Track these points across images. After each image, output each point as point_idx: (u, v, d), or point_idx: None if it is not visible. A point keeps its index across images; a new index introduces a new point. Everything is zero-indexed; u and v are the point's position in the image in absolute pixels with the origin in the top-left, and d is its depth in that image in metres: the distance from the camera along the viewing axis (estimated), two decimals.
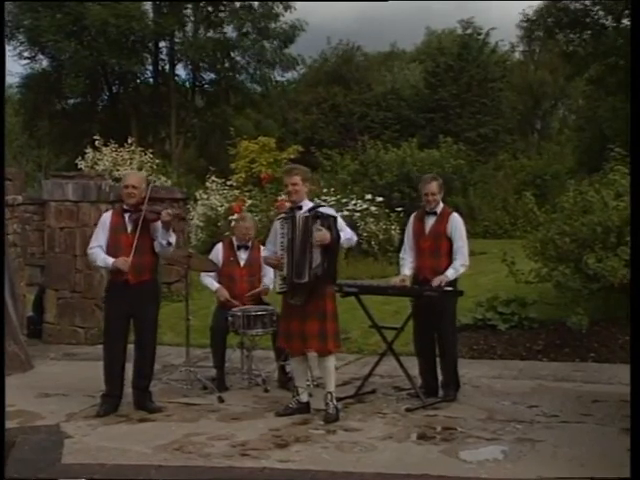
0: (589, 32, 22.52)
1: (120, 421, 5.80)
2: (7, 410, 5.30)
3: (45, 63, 28.54)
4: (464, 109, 27.49)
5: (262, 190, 15.62)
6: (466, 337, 7.98)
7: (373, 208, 13.81)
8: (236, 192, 15.68)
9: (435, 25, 48.68)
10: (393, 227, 13.70)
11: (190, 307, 6.76)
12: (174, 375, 7.08)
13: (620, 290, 7.07)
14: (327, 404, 5.72)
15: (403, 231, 7.01)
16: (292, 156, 19.06)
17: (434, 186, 6.32)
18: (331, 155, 18.80)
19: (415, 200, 11.82)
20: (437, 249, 6.20)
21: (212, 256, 7.09)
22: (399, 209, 14.09)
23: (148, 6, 28.03)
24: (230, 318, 6.64)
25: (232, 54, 29.04)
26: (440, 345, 6.31)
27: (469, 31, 30.25)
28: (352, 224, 6.39)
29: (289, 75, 31.63)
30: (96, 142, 15.93)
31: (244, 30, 28.31)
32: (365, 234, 13.02)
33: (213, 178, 16.61)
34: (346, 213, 12.69)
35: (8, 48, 26.05)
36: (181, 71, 30.76)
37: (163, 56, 29.77)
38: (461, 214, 6.52)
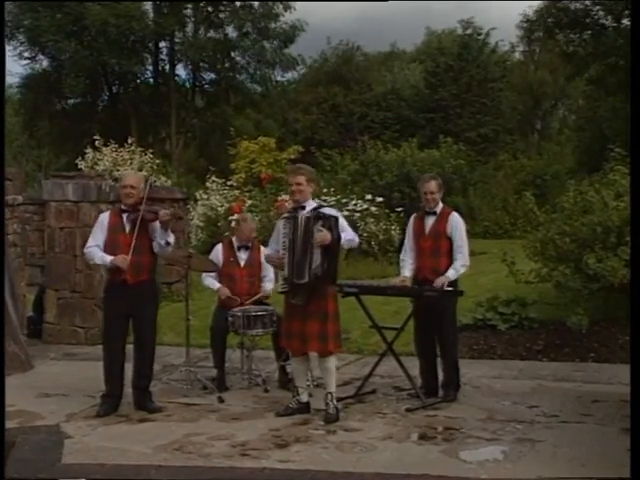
0: (589, 32, 22.52)
1: (120, 421, 5.80)
2: (7, 410, 5.30)
3: (45, 63, 28.62)
4: (464, 109, 27.49)
5: (262, 190, 15.62)
6: (466, 337, 7.98)
7: (373, 208, 13.82)
8: (236, 192, 15.69)
9: (435, 25, 48.79)
10: (393, 227, 13.70)
11: (190, 307, 6.76)
12: (174, 375, 7.09)
13: (620, 290, 7.07)
14: (327, 404, 5.72)
15: (403, 231, 7.01)
16: (292, 156, 19.06)
17: (433, 185, 6.32)
18: (331, 155, 18.80)
19: (415, 200, 11.82)
20: (437, 249, 6.20)
21: (212, 257, 7.09)
22: (399, 209, 14.09)
23: (148, 6, 28.08)
24: (230, 318, 6.65)
25: (232, 54, 29.07)
26: (441, 345, 6.31)
27: (469, 31, 30.27)
28: (352, 224, 6.39)
29: (289, 75, 31.73)
30: (96, 142, 15.91)
31: (244, 30, 28.32)
32: (365, 234, 13.02)
33: (213, 178, 16.61)
34: (346, 213, 12.67)
35: (8, 48, 26.12)
36: (181, 71, 30.85)
37: (163, 56, 29.84)
38: (461, 214, 6.51)
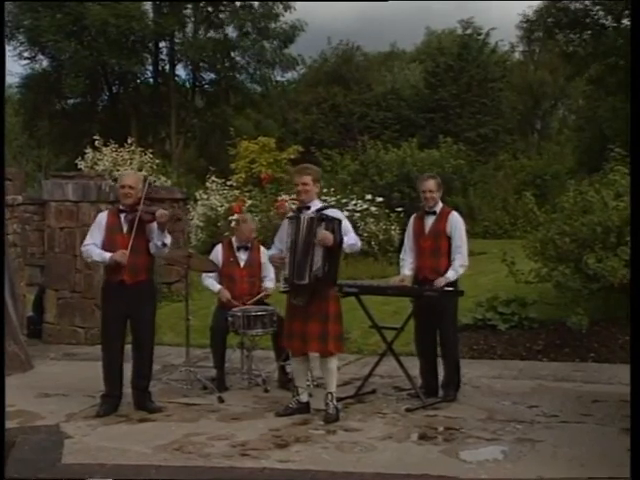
0: (589, 32, 22.51)
1: (120, 421, 5.80)
2: (7, 410, 5.30)
3: (45, 63, 28.62)
4: (464, 109, 27.49)
5: (262, 190, 15.62)
6: (466, 337, 7.98)
7: (373, 208, 13.81)
8: (236, 192, 15.68)
9: (435, 25, 48.78)
10: (393, 227, 13.70)
11: (190, 307, 6.76)
12: (174, 375, 7.08)
13: (620, 290, 7.07)
14: (327, 404, 5.72)
15: (403, 231, 7.01)
16: (292, 156, 19.07)
17: (431, 183, 6.31)
18: (331, 155, 18.80)
19: (415, 200, 11.81)
20: (437, 248, 6.19)
21: (212, 257, 7.08)
22: (399, 209, 14.09)
23: (148, 6, 28.08)
24: (230, 318, 6.64)
25: (232, 54, 29.07)
26: (442, 345, 6.31)
27: (469, 31, 30.28)
28: (352, 224, 6.37)
29: (289, 75, 31.73)
30: (96, 142, 15.90)
31: (244, 30, 28.32)
32: (365, 234, 13.01)
33: (213, 178, 16.61)
34: (346, 213, 12.64)
35: (8, 48, 26.12)
36: (181, 71, 30.85)
37: (163, 56, 29.84)
38: (461, 214, 6.50)
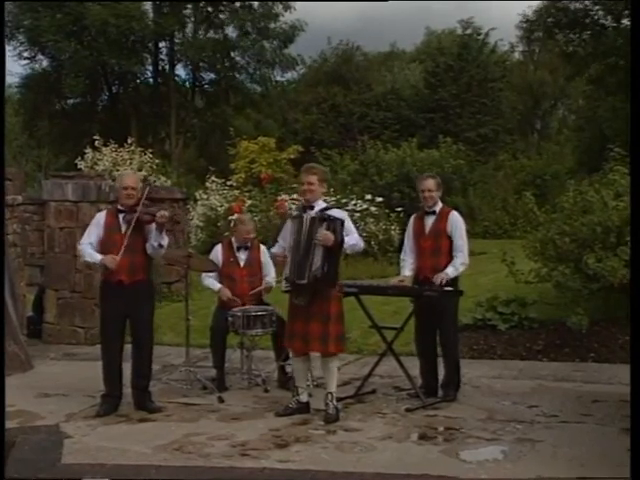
0: (589, 32, 22.51)
1: (120, 421, 5.80)
2: (7, 410, 5.29)
3: (45, 63, 28.64)
4: (464, 109, 27.50)
5: (262, 190, 15.62)
6: (466, 337, 7.98)
7: (373, 208, 13.82)
8: (236, 192, 15.69)
9: (435, 25, 48.77)
10: (393, 227, 13.70)
11: (190, 307, 6.76)
12: (174, 375, 7.08)
13: (620, 290, 7.07)
14: (327, 404, 5.72)
15: (403, 231, 7.00)
16: (292, 156, 19.08)
17: (430, 183, 6.31)
18: (331, 155, 18.81)
19: (415, 200, 11.81)
20: (438, 248, 6.19)
21: (212, 257, 7.08)
22: (399, 209, 14.09)
23: (148, 6, 28.09)
24: (230, 318, 6.64)
25: (232, 54, 29.08)
26: (442, 345, 6.31)
27: (469, 31, 30.30)
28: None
29: (289, 75, 31.74)
30: (96, 142, 15.92)
31: (244, 30, 28.32)
32: (365, 234, 13.01)
33: (213, 178, 16.61)
34: (345, 213, 12.69)
35: (8, 48, 26.14)
36: (181, 71, 30.89)
37: (163, 56, 29.85)
38: (461, 214, 6.50)
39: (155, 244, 5.97)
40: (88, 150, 15.89)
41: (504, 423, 5.54)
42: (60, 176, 10.54)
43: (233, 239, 7.16)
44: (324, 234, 5.55)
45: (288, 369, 6.63)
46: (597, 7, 22.01)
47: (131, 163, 15.31)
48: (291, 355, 6.27)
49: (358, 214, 13.37)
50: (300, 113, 29.77)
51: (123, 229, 5.99)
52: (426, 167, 15.34)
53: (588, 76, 24.06)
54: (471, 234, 8.42)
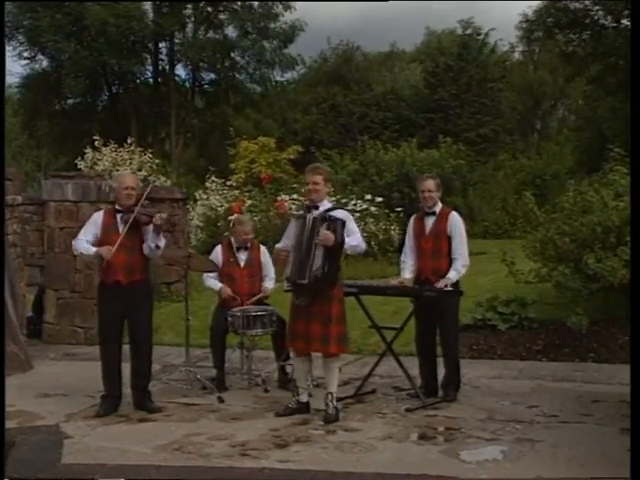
0: (589, 32, 22.53)
1: (120, 421, 5.80)
2: (7, 410, 5.29)
3: (45, 63, 28.65)
4: (464, 109, 27.50)
5: (262, 190, 15.62)
6: (466, 337, 7.97)
7: (373, 208, 13.82)
8: (236, 192, 15.69)
9: (435, 25, 48.83)
10: (393, 227, 13.70)
11: (190, 307, 6.76)
12: (174, 375, 7.09)
13: (620, 290, 7.07)
14: (327, 404, 5.72)
15: (403, 231, 7.01)
16: (292, 156, 19.07)
17: (430, 183, 6.31)
18: (331, 155, 18.80)
19: (415, 200, 11.82)
20: (438, 249, 6.19)
21: (212, 257, 7.08)
22: (399, 209, 14.10)
23: (148, 6, 28.09)
24: (230, 318, 6.64)
25: (232, 54, 29.08)
26: (442, 345, 6.31)
27: (469, 31, 30.30)
28: None
29: (289, 75, 31.75)
30: (96, 142, 15.92)
31: (244, 30, 28.32)
32: (365, 234, 13.01)
33: (213, 178, 16.62)
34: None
35: (8, 48, 26.15)
36: (181, 71, 30.87)
37: (163, 56, 29.86)
38: (461, 214, 6.50)
39: (152, 245, 5.97)
40: (88, 150, 15.89)
41: (504, 423, 5.54)
42: (60, 176, 10.54)
43: (232, 239, 7.16)
44: (325, 234, 5.56)
45: (288, 369, 6.63)
46: (597, 7, 22.03)
47: (131, 163, 15.32)
48: (292, 355, 6.27)
49: (358, 214, 13.36)
50: (300, 113, 29.77)
51: (120, 229, 5.98)
52: (426, 167, 15.34)
53: (588, 76, 24.07)
54: (471, 234, 8.42)
